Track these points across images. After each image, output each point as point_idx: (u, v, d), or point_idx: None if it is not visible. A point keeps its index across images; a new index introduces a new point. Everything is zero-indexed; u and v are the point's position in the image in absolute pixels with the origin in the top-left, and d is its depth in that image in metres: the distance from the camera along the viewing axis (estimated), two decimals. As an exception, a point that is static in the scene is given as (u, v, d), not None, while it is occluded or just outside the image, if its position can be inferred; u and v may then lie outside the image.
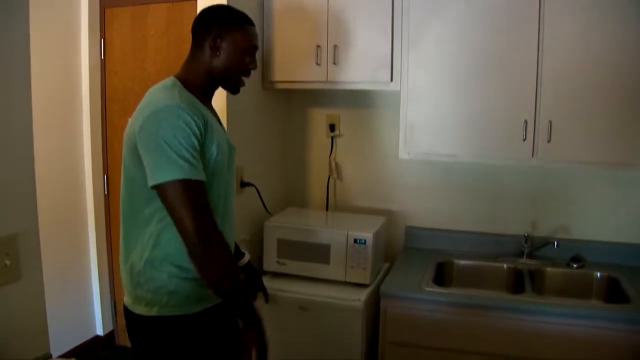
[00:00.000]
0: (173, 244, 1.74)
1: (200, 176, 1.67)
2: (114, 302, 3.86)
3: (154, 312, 1.78)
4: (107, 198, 3.70)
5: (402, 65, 2.68)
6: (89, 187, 3.64)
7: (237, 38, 1.85)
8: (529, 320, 2.39)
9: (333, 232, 2.68)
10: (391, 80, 2.70)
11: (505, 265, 2.89)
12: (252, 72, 1.95)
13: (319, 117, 3.25)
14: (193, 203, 1.64)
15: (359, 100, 3.13)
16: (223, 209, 1.84)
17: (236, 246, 2.20)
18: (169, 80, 1.81)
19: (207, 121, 1.73)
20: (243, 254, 2.26)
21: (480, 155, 2.68)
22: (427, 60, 2.66)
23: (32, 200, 1.55)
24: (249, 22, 1.90)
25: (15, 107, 1.50)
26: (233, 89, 1.93)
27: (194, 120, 1.65)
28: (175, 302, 1.79)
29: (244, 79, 1.92)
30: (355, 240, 2.65)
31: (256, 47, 1.92)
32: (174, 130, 1.61)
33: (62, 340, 3.55)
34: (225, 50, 1.85)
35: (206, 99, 1.88)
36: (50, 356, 1.58)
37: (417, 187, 3.14)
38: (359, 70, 2.75)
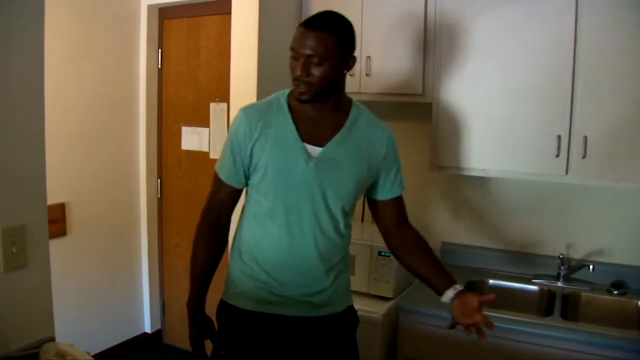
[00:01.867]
0: (244, 237, 1.94)
1: (223, 174, 1.90)
2: (163, 301, 4.01)
3: (224, 295, 1.98)
4: (160, 201, 3.86)
5: (434, 78, 2.67)
6: (143, 189, 3.81)
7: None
8: (556, 347, 2.30)
9: (359, 243, 2.69)
10: (422, 92, 2.70)
11: (537, 288, 2.80)
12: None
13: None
14: (209, 194, 1.95)
15: (394, 112, 3.09)
16: (286, 220, 1.85)
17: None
18: None
19: (267, 129, 1.82)
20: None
21: (511, 171, 2.62)
22: (458, 73, 2.64)
23: (42, 195, 1.66)
24: (302, 24, 1.78)
25: (27, 105, 1.61)
26: (296, 95, 1.82)
27: (243, 126, 1.83)
28: (235, 292, 1.95)
29: (297, 86, 1.79)
30: (379, 253, 2.66)
31: (295, 50, 1.77)
32: (229, 130, 1.90)
33: (110, 335, 3.73)
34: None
35: (314, 107, 1.84)
36: (54, 339, 1.67)
37: (452, 202, 3.10)
38: (391, 81, 2.76)
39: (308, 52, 1.73)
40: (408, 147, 3.12)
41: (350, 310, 2.04)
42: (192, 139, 3.64)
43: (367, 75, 2.76)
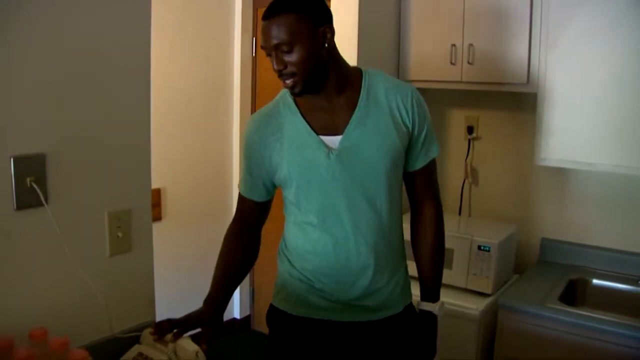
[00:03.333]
0: (289, 241, 1.82)
1: (242, 189, 1.83)
2: (253, 288, 4.05)
3: (272, 299, 1.90)
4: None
5: (540, 66, 2.53)
6: (236, 176, 3.85)
7: None
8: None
9: (457, 236, 2.61)
10: (527, 81, 2.57)
11: (645, 290, 2.63)
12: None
13: (457, 118, 3.14)
14: (236, 208, 1.89)
15: (499, 102, 2.99)
16: (325, 223, 1.71)
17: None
18: None
19: (279, 132, 1.69)
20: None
21: (621, 166, 2.45)
22: (566, 61, 2.49)
23: (147, 180, 1.68)
24: (264, 17, 1.59)
25: (134, 91, 1.64)
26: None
27: (253, 137, 1.73)
28: (283, 297, 1.84)
29: (284, 80, 1.63)
30: (479, 247, 2.56)
31: (263, 47, 1.61)
32: (242, 143, 1.82)
33: (201, 318, 3.80)
34: None
35: (318, 94, 1.68)
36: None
37: (556, 197, 2.95)
38: (494, 70, 2.64)
39: (274, 42, 1.55)
40: (510, 139, 3.03)
41: (410, 309, 1.86)
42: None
43: (470, 63, 2.65)
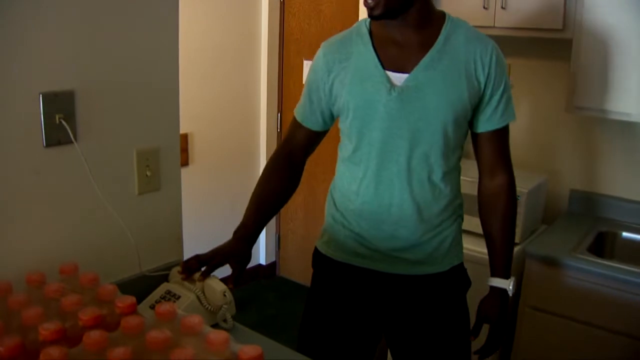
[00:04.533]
0: (337, 182, 1.81)
1: (299, 115, 1.80)
2: (279, 235, 4.09)
3: (317, 242, 1.87)
4: (280, 135, 3.89)
5: (577, 11, 2.44)
6: (263, 123, 3.85)
7: None
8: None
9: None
10: (563, 27, 2.48)
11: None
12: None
13: (489, 67, 3.06)
14: (285, 134, 1.86)
15: (532, 49, 2.91)
16: (373, 163, 1.67)
17: None
18: None
19: (347, 61, 1.65)
20: None
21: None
22: (605, 6, 2.39)
23: (175, 119, 1.67)
24: None
25: (163, 32, 1.62)
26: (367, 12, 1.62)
27: (321, 62, 1.70)
28: (325, 240, 1.83)
29: (366, 1, 1.58)
30: (506, 194, 2.53)
31: None
32: (310, 68, 1.78)
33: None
34: None
35: (395, 27, 1.62)
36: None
37: (586, 149, 2.89)
38: (529, 15, 2.55)
39: None
40: (542, 88, 2.96)
41: (458, 270, 1.79)
42: (313, 73, 3.61)
43: (503, 7, 2.57)
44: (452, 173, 1.72)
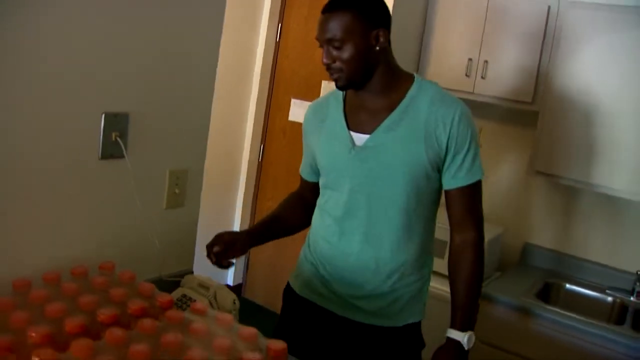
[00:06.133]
0: (313, 224, 1.92)
1: (300, 169, 1.99)
2: (248, 258, 4.29)
3: (289, 277, 1.99)
4: (260, 165, 4.13)
5: (545, 86, 2.80)
6: (247, 152, 4.07)
7: None
8: (624, 355, 2.44)
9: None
10: (532, 100, 2.83)
11: (611, 299, 2.93)
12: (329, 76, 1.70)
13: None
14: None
15: (506, 115, 3.24)
16: (339, 213, 1.77)
17: None
18: None
19: (323, 122, 1.81)
20: None
21: (604, 186, 2.73)
22: (568, 84, 2.75)
23: (204, 144, 1.92)
24: (323, 10, 1.66)
25: (202, 67, 1.87)
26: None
27: (307, 123, 1.89)
28: (295, 274, 1.95)
29: (331, 74, 1.68)
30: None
31: (317, 39, 1.66)
32: None
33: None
34: None
35: (362, 92, 1.73)
36: (192, 272, 1.93)
37: (544, 208, 3.24)
38: (504, 87, 2.91)
39: (327, 36, 1.61)
40: (508, 150, 3.30)
41: (412, 328, 1.80)
42: (299, 111, 3.86)
43: (482, 77, 2.91)
44: (416, 231, 1.74)
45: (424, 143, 1.65)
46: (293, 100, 3.90)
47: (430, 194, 1.74)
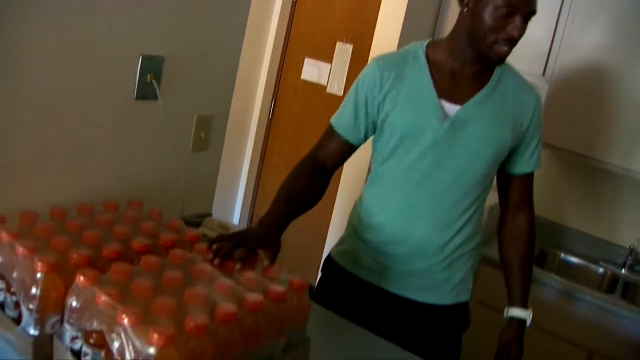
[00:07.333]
0: (364, 193, 1.81)
1: (339, 125, 1.73)
2: (252, 214, 4.35)
3: (331, 250, 1.91)
4: (270, 121, 4.18)
5: (557, 59, 2.86)
6: (257, 107, 4.12)
7: None
8: (613, 322, 2.59)
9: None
10: (543, 74, 2.90)
11: (602, 270, 3.04)
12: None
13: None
14: (317, 143, 1.78)
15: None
16: (405, 183, 1.67)
17: None
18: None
19: (400, 82, 1.64)
20: None
21: (602, 160, 2.82)
22: (580, 57, 2.82)
23: (230, 94, 1.99)
24: None
25: (233, 17, 1.93)
26: (488, 54, 1.57)
27: (374, 76, 1.66)
28: (341, 249, 1.86)
29: (502, 46, 1.54)
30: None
31: (512, 6, 1.49)
32: (357, 80, 1.73)
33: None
34: (472, 4, 1.56)
35: (458, 59, 1.64)
36: (211, 215, 2.02)
37: (548, 180, 3.26)
38: (516, 60, 2.93)
39: (532, 8, 1.51)
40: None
41: (461, 308, 1.80)
42: (312, 71, 3.90)
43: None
44: (477, 212, 1.73)
45: (510, 125, 1.65)
46: (307, 60, 3.93)
47: (493, 175, 1.74)
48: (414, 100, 1.63)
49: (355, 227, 1.80)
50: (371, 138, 1.77)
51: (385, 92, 1.64)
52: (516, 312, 1.79)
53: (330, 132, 1.75)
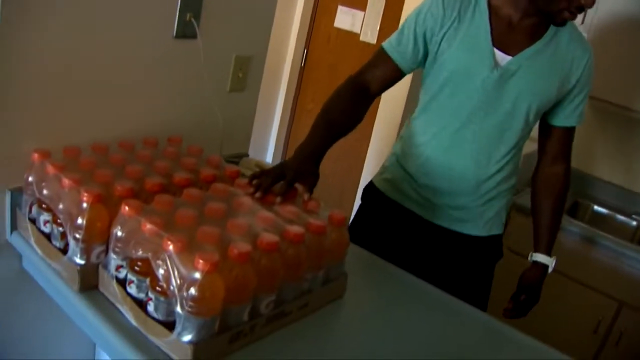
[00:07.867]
0: (411, 124, 1.85)
1: (393, 50, 1.73)
2: (284, 159, 4.39)
3: (373, 177, 1.98)
4: (303, 70, 4.18)
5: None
6: (290, 56, 4.12)
7: None
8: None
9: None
10: (582, 22, 2.82)
11: (634, 223, 3.03)
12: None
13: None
14: (364, 65, 1.78)
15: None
16: (451, 123, 1.72)
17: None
18: None
19: (459, 23, 1.66)
20: None
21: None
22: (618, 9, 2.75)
23: (267, 35, 1.98)
24: None
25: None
26: (554, 17, 1.61)
27: (438, 9, 1.66)
28: (384, 177, 1.92)
29: (570, 13, 1.58)
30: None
31: None
32: (417, 10, 1.72)
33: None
34: None
35: (519, 10, 1.64)
36: (247, 155, 2.04)
37: (586, 133, 3.20)
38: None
39: None
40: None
41: (495, 240, 1.88)
42: (345, 18, 3.87)
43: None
44: (517, 154, 1.80)
45: (558, 78, 1.68)
46: (340, 8, 3.90)
47: (534, 125, 1.78)
48: (469, 44, 1.65)
49: (399, 157, 1.87)
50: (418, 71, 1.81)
51: (445, 31, 1.67)
52: (540, 257, 1.86)
53: (382, 55, 1.75)
